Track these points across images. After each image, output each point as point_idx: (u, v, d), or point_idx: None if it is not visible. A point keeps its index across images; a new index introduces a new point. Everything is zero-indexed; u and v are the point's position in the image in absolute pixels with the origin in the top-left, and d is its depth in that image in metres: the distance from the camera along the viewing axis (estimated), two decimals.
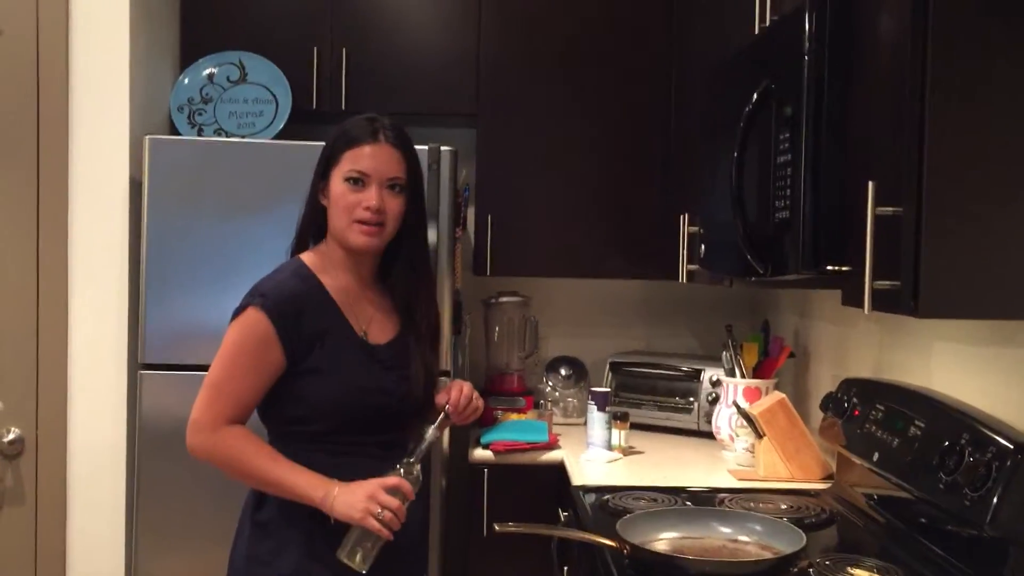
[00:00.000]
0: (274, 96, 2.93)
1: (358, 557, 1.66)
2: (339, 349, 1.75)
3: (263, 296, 1.72)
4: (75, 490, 2.68)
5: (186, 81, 2.94)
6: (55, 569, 2.67)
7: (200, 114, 2.92)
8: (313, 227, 1.84)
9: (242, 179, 2.66)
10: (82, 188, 2.66)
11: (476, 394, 1.87)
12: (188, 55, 3.00)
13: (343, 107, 3.00)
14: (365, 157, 1.76)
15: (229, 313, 2.59)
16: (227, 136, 2.89)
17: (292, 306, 1.72)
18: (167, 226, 2.63)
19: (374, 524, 1.63)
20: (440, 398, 1.84)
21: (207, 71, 2.95)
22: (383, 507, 1.63)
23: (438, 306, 1.94)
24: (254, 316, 1.71)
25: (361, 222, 1.75)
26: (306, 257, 1.82)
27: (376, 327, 1.82)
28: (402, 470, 1.70)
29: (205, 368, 2.60)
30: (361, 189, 1.75)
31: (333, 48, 3.01)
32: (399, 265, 1.85)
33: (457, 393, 1.83)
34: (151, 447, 2.62)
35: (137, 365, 2.65)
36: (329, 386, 1.72)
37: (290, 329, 1.71)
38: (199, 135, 2.89)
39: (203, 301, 2.63)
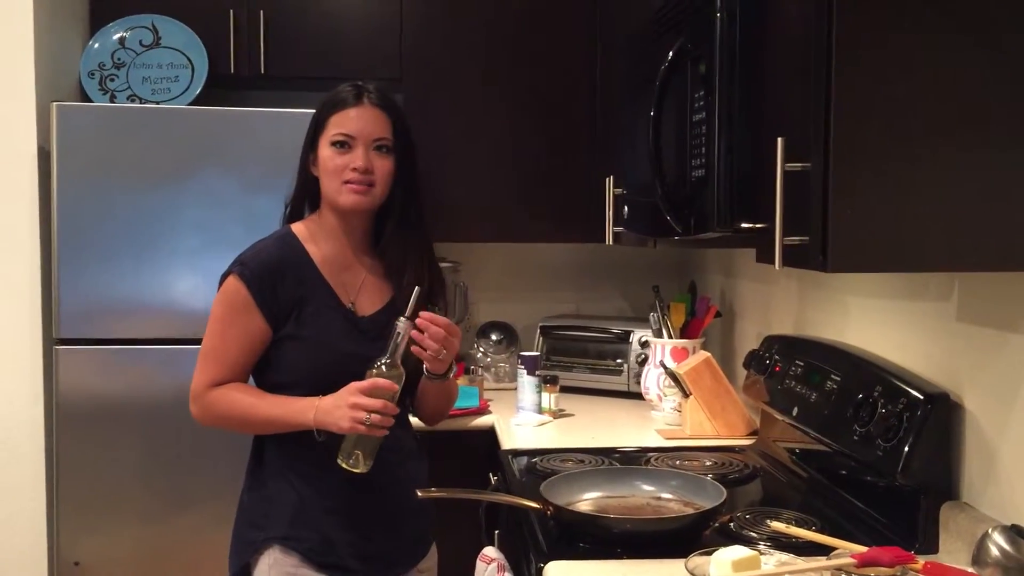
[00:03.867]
0: (189, 60, 2.84)
1: (352, 460, 1.66)
2: (318, 316, 1.77)
3: (242, 264, 1.77)
4: None
5: (96, 46, 2.83)
6: None
7: (112, 80, 2.82)
8: (306, 197, 1.87)
9: (157, 147, 2.59)
10: None
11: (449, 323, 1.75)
12: (98, 18, 2.88)
13: (262, 71, 2.93)
14: (350, 120, 1.78)
15: (145, 285, 2.58)
16: (141, 102, 2.80)
17: (270, 273, 1.75)
18: (78, 197, 2.54)
19: (362, 429, 1.63)
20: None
21: (118, 35, 2.85)
22: (368, 411, 1.62)
23: (438, 266, 1.92)
24: (233, 284, 1.76)
25: (349, 182, 1.77)
26: (296, 226, 1.85)
27: (366, 296, 1.83)
28: (377, 370, 1.67)
29: (122, 342, 2.59)
30: (347, 151, 1.78)
31: (250, 11, 2.92)
32: (390, 226, 1.85)
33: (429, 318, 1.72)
34: (70, 424, 2.56)
35: (52, 340, 2.57)
36: (305, 352, 1.75)
37: (267, 295, 1.74)
38: (112, 102, 2.79)
39: (118, 273, 2.56)
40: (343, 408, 1.64)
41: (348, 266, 1.84)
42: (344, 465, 1.67)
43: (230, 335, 1.76)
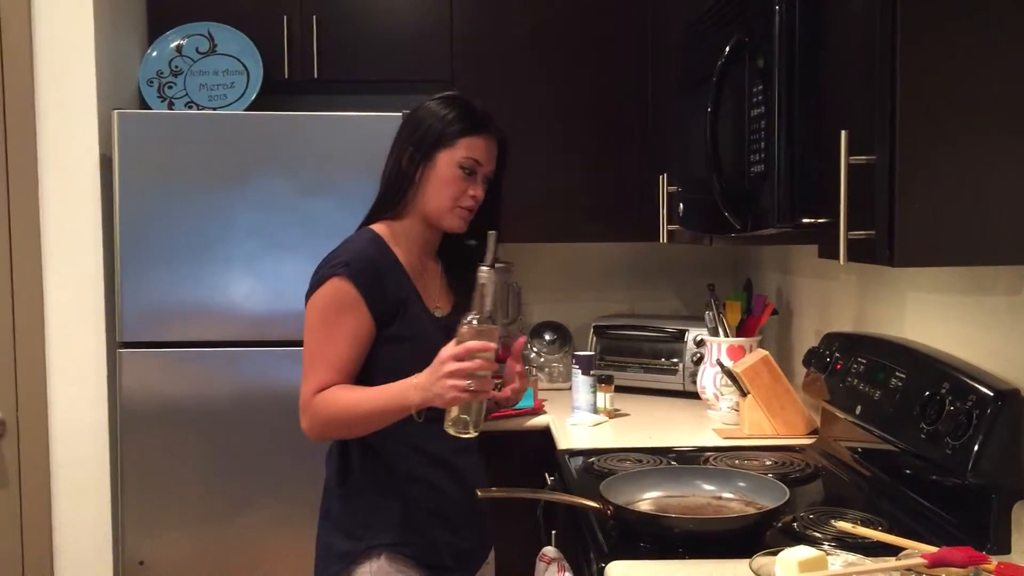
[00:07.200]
0: (245, 67, 2.88)
1: (461, 427, 1.61)
2: (417, 319, 1.77)
3: (345, 264, 1.72)
4: (58, 471, 2.66)
5: (154, 54, 2.89)
6: (41, 551, 2.66)
7: (170, 87, 2.88)
8: (399, 195, 1.81)
9: (215, 152, 2.62)
10: (52, 166, 2.63)
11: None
12: (155, 27, 2.94)
13: (315, 75, 2.97)
14: (483, 149, 1.80)
15: (205, 288, 2.61)
16: (198, 108, 2.85)
17: (375, 271, 1.73)
18: (140, 201, 2.59)
19: (466, 397, 1.57)
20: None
21: (175, 43, 2.90)
22: (467, 375, 1.56)
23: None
24: (339, 284, 1.71)
25: (463, 208, 1.79)
26: (378, 228, 1.82)
27: (439, 299, 1.86)
28: (468, 326, 1.59)
29: (184, 344, 2.63)
30: (471, 179, 1.79)
31: (303, 16, 2.96)
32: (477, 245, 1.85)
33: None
34: (133, 426, 2.61)
35: (116, 343, 2.62)
36: (410, 352, 1.71)
37: (376, 293, 1.72)
38: (170, 108, 2.85)
39: (180, 276, 2.60)
40: (442, 380, 1.57)
41: (423, 270, 1.85)
42: (454, 433, 1.61)
43: (339, 336, 1.70)
